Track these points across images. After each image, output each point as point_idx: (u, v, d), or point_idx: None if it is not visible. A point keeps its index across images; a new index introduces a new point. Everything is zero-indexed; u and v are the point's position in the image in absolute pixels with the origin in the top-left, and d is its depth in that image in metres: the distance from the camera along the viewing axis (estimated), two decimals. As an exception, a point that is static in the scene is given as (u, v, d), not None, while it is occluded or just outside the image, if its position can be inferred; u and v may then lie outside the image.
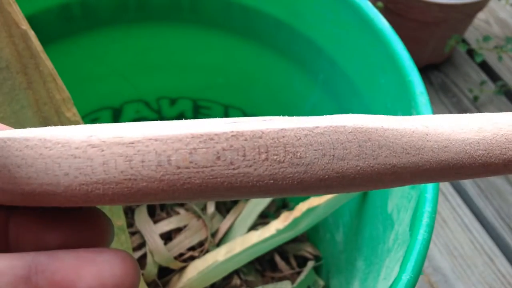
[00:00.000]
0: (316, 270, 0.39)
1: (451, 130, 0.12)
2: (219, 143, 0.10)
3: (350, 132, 0.11)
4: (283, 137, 0.11)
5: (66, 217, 0.12)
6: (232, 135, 0.10)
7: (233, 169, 0.10)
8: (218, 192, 0.10)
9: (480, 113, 0.13)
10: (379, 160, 0.11)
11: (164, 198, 0.10)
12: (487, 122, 0.12)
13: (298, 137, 0.11)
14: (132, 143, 0.10)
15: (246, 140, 0.10)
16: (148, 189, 0.10)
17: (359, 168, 0.11)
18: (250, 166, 0.10)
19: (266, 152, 0.10)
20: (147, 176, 0.10)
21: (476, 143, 0.12)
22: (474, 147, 0.12)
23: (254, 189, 0.10)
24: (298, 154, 0.11)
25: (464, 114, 0.13)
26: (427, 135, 0.12)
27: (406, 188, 0.24)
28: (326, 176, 0.11)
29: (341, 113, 0.35)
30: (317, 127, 0.11)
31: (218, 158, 0.10)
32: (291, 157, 0.10)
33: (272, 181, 0.10)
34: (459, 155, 0.12)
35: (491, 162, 0.12)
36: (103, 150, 0.10)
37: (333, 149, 0.11)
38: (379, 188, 0.12)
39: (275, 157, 0.10)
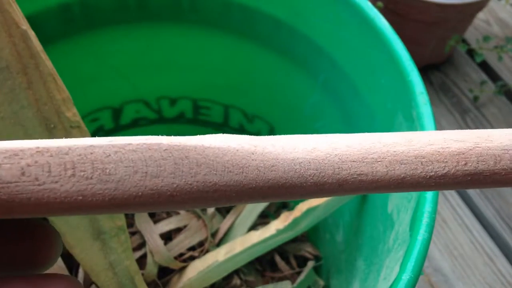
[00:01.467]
0: (316, 270, 0.39)
1: (281, 150, 0.12)
2: (23, 159, 0.10)
3: (166, 149, 0.11)
4: (91, 153, 0.11)
5: (10, 232, 0.12)
6: (37, 151, 0.10)
7: (38, 184, 0.10)
8: (28, 208, 0.10)
9: (319, 134, 0.13)
10: (198, 178, 0.11)
11: None
12: (323, 142, 0.12)
13: (108, 154, 0.11)
14: None
15: (51, 156, 0.10)
16: None
17: (175, 185, 0.11)
18: (56, 182, 0.10)
19: (72, 168, 0.10)
20: None
21: (307, 162, 0.12)
22: (305, 166, 0.12)
23: (63, 205, 0.10)
24: (107, 170, 0.11)
25: (301, 135, 0.13)
26: (252, 154, 0.12)
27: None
28: (140, 193, 0.11)
29: (342, 113, 0.35)
30: (129, 144, 0.11)
31: (23, 173, 0.10)
32: (100, 174, 0.10)
33: (81, 197, 0.10)
34: (288, 174, 0.12)
35: (324, 182, 0.12)
36: None
37: (146, 166, 0.11)
38: (207, 206, 0.12)
39: (82, 173, 0.10)
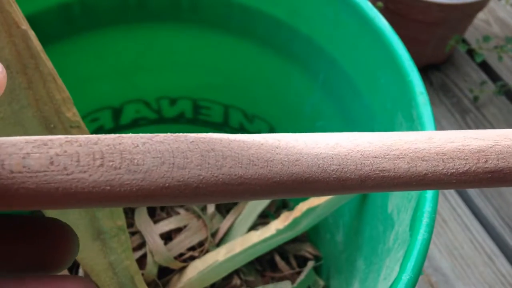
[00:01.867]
0: (316, 270, 0.39)
1: (304, 145, 0.12)
2: (52, 148, 0.10)
3: (192, 141, 0.11)
4: (120, 144, 0.11)
5: (28, 232, 0.12)
6: (67, 141, 0.10)
7: (67, 174, 0.10)
8: (55, 198, 0.10)
9: (340, 132, 0.13)
10: (224, 171, 0.11)
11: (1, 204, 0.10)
12: (344, 138, 0.12)
13: (136, 145, 0.11)
14: None
15: (80, 146, 0.10)
16: None
17: (201, 177, 0.11)
18: (85, 171, 0.10)
19: (101, 158, 0.10)
20: None
21: (329, 157, 0.12)
22: (328, 161, 0.12)
23: (91, 195, 0.10)
24: (135, 161, 0.11)
25: (322, 133, 0.13)
26: (277, 148, 0.12)
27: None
28: (167, 184, 0.11)
29: (342, 113, 0.35)
30: (156, 135, 0.11)
31: (52, 163, 0.10)
32: (128, 164, 0.10)
33: (109, 187, 0.10)
34: (312, 169, 0.12)
35: (347, 177, 0.12)
36: None
37: (173, 157, 0.11)
38: (232, 200, 0.12)
39: (110, 163, 0.10)
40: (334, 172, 0.12)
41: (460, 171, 0.13)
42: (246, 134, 0.12)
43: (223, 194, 0.11)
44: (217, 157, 0.11)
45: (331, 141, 0.12)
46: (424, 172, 0.12)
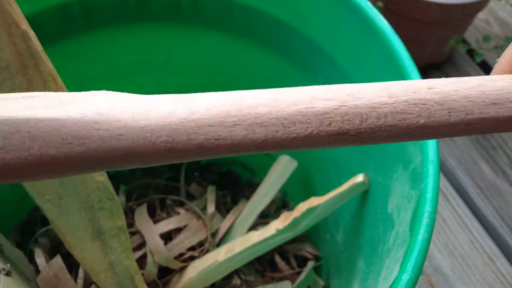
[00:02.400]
0: (316, 270, 0.39)
1: (131, 117, 0.12)
2: None
3: None
4: None
5: None
6: None
7: None
8: None
9: (181, 94, 0.12)
10: (32, 152, 0.11)
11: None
12: (181, 105, 0.12)
13: None
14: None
15: None
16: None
17: (7, 160, 0.11)
18: None
19: None
20: None
21: (158, 129, 0.12)
22: (156, 133, 0.12)
23: None
24: None
25: (162, 96, 0.12)
26: (96, 123, 0.11)
27: (406, 188, 0.24)
28: None
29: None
30: None
31: None
32: None
33: None
34: (138, 142, 0.11)
35: (179, 148, 0.12)
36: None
37: None
38: (49, 177, 0.11)
39: None
40: (163, 144, 0.12)
41: (302, 136, 0.12)
42: (64, 110, 0.11)
43: (36, 174, 0.11)
44: (23, 139, 0.11)
45: (165, 109, 0.12)
46: (262, 138, 0.12)
